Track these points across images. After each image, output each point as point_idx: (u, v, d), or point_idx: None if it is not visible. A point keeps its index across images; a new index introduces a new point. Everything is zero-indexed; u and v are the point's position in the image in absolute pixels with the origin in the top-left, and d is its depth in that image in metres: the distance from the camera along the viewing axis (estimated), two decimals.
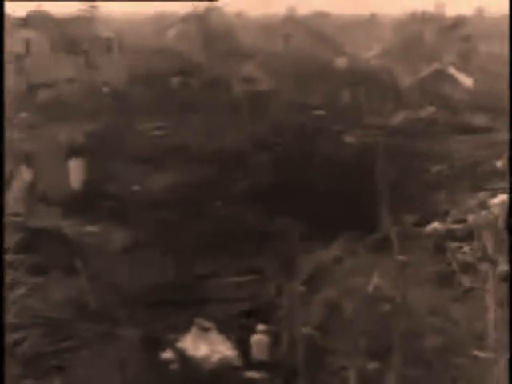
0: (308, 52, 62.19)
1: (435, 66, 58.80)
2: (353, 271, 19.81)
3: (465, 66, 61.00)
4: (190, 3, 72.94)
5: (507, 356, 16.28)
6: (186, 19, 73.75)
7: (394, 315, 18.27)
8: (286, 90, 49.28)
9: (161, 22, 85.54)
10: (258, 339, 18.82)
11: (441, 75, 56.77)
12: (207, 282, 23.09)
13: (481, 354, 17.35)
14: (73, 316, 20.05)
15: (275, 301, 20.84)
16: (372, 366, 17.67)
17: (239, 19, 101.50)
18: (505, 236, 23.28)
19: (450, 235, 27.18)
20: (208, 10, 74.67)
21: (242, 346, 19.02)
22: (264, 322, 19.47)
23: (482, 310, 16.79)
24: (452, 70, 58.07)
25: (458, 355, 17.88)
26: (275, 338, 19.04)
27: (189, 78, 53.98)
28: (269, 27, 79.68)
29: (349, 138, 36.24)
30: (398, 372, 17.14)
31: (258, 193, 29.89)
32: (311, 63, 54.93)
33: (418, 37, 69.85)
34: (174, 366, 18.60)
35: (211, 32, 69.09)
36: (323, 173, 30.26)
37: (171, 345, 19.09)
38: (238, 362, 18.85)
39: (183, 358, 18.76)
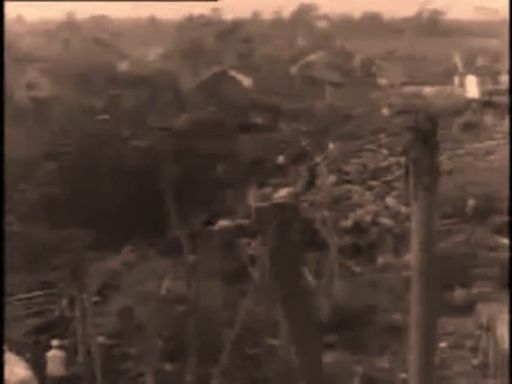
0: (89, 56, 61.29)
1: (216, 67, 60.21)
2: (144, 276, 19.92)
3: (244, 67, 63.00)
4: None
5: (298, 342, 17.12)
6: None
7: (188, 315, 18.62)
8: (68, 95, 48.19)
9: None
10: (53, 355, 18.37)
11: (221, 77, 58.19)
12: None
13: (274, 342, 18.17)
14: None
15: (68, 314, 20.47)
16: (169, 367, 17.93)
17: (18, 24, 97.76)
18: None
19: (239, 231, 28.04)
20: None
21: (38, 363, 18.47)
22: (58, 336, 19.06)
23: (274, 299, 17.48)
24: (232, 72, 59.72)
25: (253, 346, 18.55)
26: (71, 352, 18.72)
27: None
28: (48, 32, 77.66)
29: (134, 142, 36.09)
30: (194, 371, 17.51)
31: (46, 204, 29.07)
32: (93, 67, 54.16)
33: (198, 40, 71.07)
34: None
35: None
36: (110, 178, 30.00)
37: None
38: (34, 382, 18.29)
39: None
